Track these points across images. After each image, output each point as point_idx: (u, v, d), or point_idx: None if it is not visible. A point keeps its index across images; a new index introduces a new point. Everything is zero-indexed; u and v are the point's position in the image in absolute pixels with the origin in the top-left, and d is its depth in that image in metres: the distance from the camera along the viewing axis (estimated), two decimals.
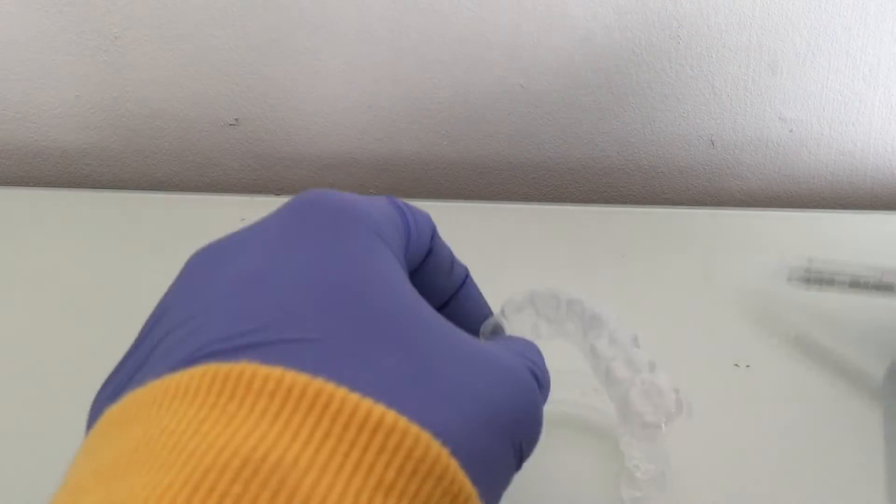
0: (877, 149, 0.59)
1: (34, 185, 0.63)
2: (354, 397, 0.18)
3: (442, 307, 0.31)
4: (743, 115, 0.58)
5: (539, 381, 0.25)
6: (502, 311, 0.32)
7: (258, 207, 0.55)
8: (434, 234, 0.30)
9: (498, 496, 0.22)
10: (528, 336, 0.30)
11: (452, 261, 0.31)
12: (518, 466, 0.23)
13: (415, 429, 0.18)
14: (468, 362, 0.22)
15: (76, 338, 0.43)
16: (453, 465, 0.19)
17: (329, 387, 0.18)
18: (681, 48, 0.56)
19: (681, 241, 0.51)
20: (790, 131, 0.59)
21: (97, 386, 0.40)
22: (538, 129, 0.59)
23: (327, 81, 0.59)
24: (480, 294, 0.33)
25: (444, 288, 0.31)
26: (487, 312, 0.32)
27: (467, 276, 0.32)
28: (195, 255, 0.24)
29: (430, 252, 0.29)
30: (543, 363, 0.27)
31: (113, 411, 0.19)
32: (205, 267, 0.23)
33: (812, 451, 0.36)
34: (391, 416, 0.18)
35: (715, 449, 0.36)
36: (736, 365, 0.41)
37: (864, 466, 0.35)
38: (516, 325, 0.31)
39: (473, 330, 0.31)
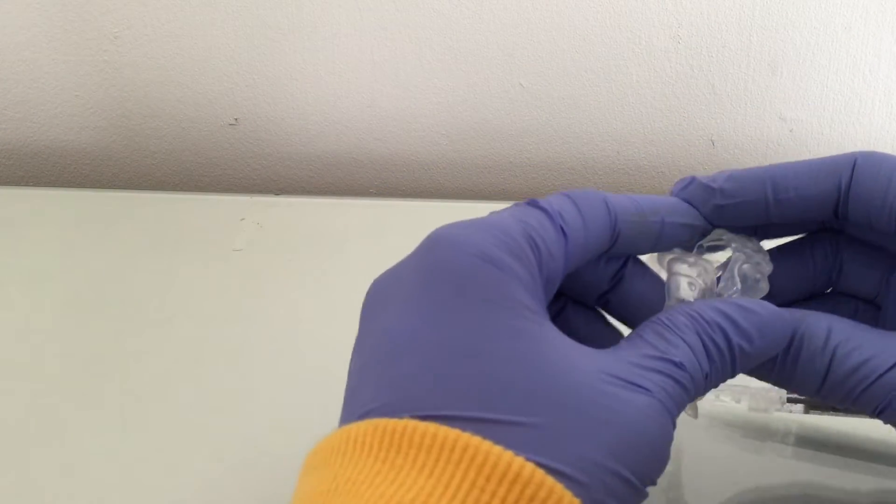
0: (877, 149, 0.59)
1: (34, 185, 0.63)
2: (497, 449, 0.20)
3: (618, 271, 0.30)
4: (743, 115, 0.58)
5: (674, 408, 0.24)
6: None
7: (258, 207, 0.55)
8: (614, 221, 0.28)
9: None
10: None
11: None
12: (644, 495, 0.24)
13: (549, 481, 0.20)
14: (596, 410, 0.23)
15: (76, 338, 0.43)
16: None
17: (475, 440, 0.21)
18: (681, 48, 0.56)
19: None
20: (790, 131, 0.59)
21: (97, 385, 0.40)
22: (538, 129, 0.59)
23: (327, 81, 0.59)
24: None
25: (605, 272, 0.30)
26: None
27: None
28: (371, 287, 0.26)
29: (617, 236, 0.28)
30: (701, 354, 0.25)
31: (311, 456, 0.23)
32: (370, 310, 0.25)
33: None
34: (529, 467, 0.20)
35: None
36: None
37: None
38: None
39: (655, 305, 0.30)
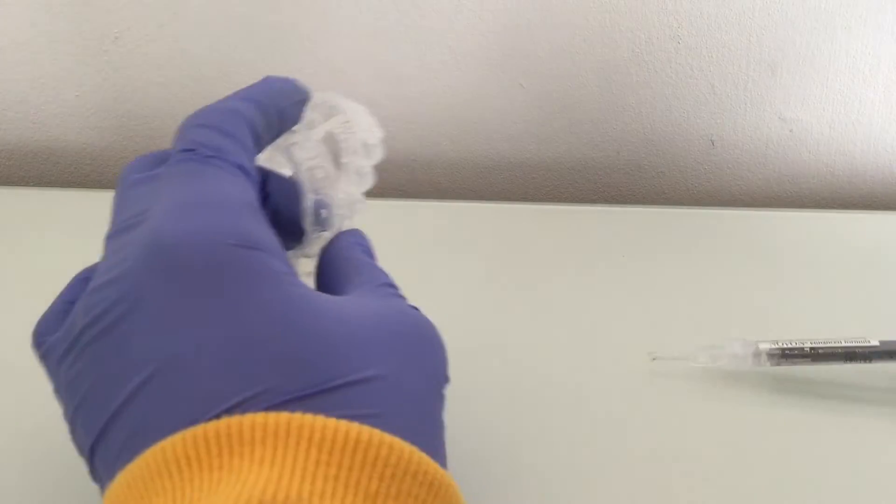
0: (877, 149, 0.59)
1: (34, 185, 0.63)
2: (332, 422, 0.20)
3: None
4: (743, 115, 0.58)
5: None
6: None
7: None
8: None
9: (439, 427, 0.24)
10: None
11: None
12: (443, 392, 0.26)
13: (388, 438, 0.20)
14: (401, 339, 0.24)
15: None
16: (424, 459, 0.21)
17: (307, 418, 0.20)
18: (681, 48, 0.57)
19: (681, 241, 0.51)
20: (790, 131, 0.59)
21: None
22: (538, 129, 0.60)
23: (327, 81, 0.59)
24: None
25: None
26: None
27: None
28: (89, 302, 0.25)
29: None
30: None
31: (118, 488, 0.21)
32: (110, 329, 0.24)
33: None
34: (366, 431, 0.20)
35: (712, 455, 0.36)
36: None
37: None
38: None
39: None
